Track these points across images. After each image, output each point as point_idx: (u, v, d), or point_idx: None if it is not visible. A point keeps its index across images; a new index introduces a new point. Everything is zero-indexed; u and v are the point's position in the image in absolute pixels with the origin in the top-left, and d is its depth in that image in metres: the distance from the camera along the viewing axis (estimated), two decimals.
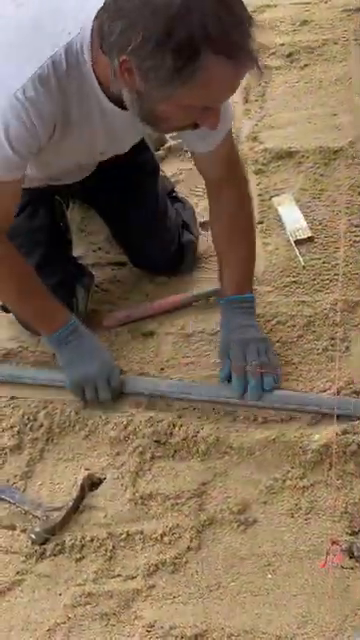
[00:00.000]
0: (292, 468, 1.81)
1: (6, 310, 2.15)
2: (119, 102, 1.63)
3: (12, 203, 1.80)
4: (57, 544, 1.72)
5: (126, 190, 2.16)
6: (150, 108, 1.55)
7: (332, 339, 2.04)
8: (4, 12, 1.63)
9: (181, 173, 2.52)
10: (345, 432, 1.80)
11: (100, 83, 1.63)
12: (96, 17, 1.55)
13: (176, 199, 2.32)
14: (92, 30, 1.57)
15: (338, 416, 1.80)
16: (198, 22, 1.39)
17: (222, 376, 1.95)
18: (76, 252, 2.28)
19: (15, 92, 1.57)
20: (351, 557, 1.64)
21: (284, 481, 1.79)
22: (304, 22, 2.95)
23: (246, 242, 2.02)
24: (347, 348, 2.02)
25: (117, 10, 1.46)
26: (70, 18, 1.59)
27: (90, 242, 2.37)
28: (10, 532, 1.76)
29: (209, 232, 2.32)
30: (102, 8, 1.51)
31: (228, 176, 1.96)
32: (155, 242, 2.17)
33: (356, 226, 2.29)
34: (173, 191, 2.34)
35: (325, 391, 1.93)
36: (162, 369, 2.03)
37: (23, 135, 1.62)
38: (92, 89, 1.64)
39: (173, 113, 1.55)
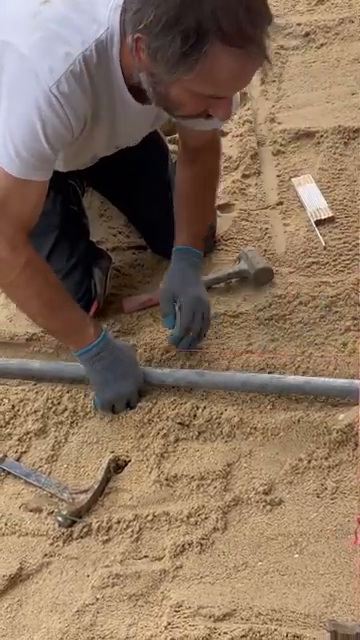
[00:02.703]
0: (317, 448, 1.80)
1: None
2: (140, 96, 1.64)
3: (39, 203, 1.78)
4: (84, 526, 1.73)
5: (137, 176, 2.15)
6: (163, 92, 1.54)
7: (355, 319, 2.03)
8: (34, 8, 1.62)
9: None
10: None
11: (125, 77, 1.63)
12: (123, 6, 1.55)
13: None
14: (120, 23, 1.57)
15: None
16: (210, 10, 1.39)
17: (169, 324, 2.00)
18: (96, 237, 2.28)
19: (50, 87, 1.57)
20: None
21: (309, 461, 1.79)
22: (320, 1, 2.92)
23: (211, 206, 2.10)
24: None
25: None
26: (100, 13, 1.58)
27: (110, 226, 2.36)
28: (37, 515, 1.77)
29: (230, 214, 2.33)
30: None
31: (209, 147, 1.99)
32: (170, 228, 2.16)
33: None
34: None
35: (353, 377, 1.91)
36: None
37: (59, 129, 1.62)
38: (118, 84, 1.64)
39: (185, 99, 1.54)
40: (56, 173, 2.02)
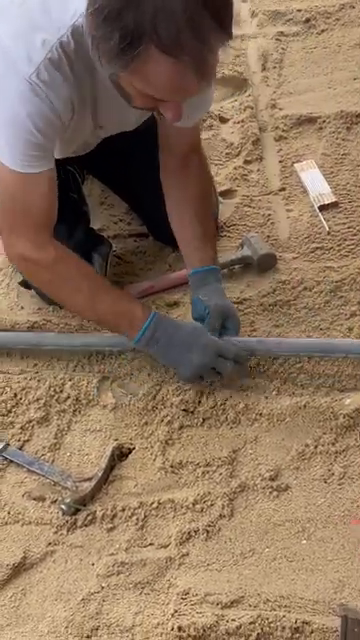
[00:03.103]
0: (324, 433, 1.78)
1: (28, 286, 2.13)
2: None
3: (52, 194, 1.74)
4: (88, 514, 1.71)
5: (135, 164, 2.12)
6: (115, 79, 1.51)
7: None
8: None
9: None
10: None
11: None
12: None
13: None
14: None
15: None
16: (150, 13, 1.34)
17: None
18: (97, 224, 2.25)
19: (30, 76, 1.55)
20: None
21: (316, 446, 1.76)
22: None
23: (213, 217, 2.03)
24: None
25: None
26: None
27: (111, 214, 2.33)
28: (40, 504, 1.74)
29: (232, 200, 2.30)
30: None
31: (195, 152, 1.93)
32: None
33: None
34: None
35: None
36: None
37: (48, 116, 1.60)
38: (98, 68, 1.58)
39: (132, 92, 1.51)
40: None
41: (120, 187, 2.25)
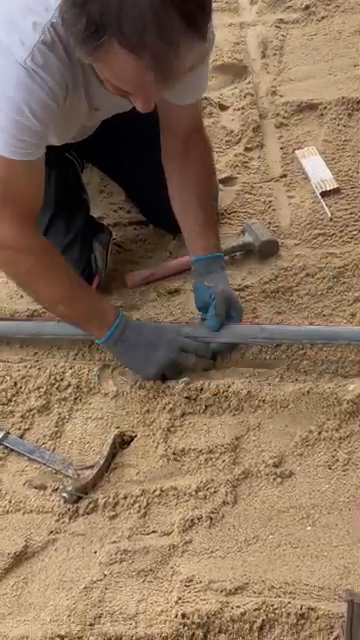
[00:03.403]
0: (327, 419, 1.76)
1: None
2: None
3: (40, 182, 1.73)
4: (90, 502, 1.69)
5: (135, 147, 2.10)
6: (89, 62, 1.49)
7: None
8: None
9: None
10: None
11: None
12: None
13: None
14: None
15: None
16: (116, 6, 1.32)
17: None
18: (96, 213, 2.23)
19: (25, 61, 1.52)
20: None
21: (320, 433, 1.75)
22: None
23: (215, 201, 2.00)
24: None
25: None
26: None
27: (110, 202, 2.31)
28: (41, 492, 1.73)
29: (233, 187, 2.29)
30: None
31: (196, 134, 1.90)
32: (168, 201, 2.10)
33: None
34: None
35: None
36: None
37: (44, 100, 1.57)
38: None
39: (102, 76, 1.49)
40: (51, 148, 1.99)
41: (118, 173, 2.22)
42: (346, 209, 2.18)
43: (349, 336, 1.86)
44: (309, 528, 1.61)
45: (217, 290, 1.87)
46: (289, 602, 1.49)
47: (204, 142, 1.94)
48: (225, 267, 1.96)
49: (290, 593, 1.52)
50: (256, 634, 1.47)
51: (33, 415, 1.86)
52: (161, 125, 1.89)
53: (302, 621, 1.47)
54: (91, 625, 1.51)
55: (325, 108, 2.43)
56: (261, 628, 1.47)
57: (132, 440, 1.80)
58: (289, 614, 1.47)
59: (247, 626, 1.47)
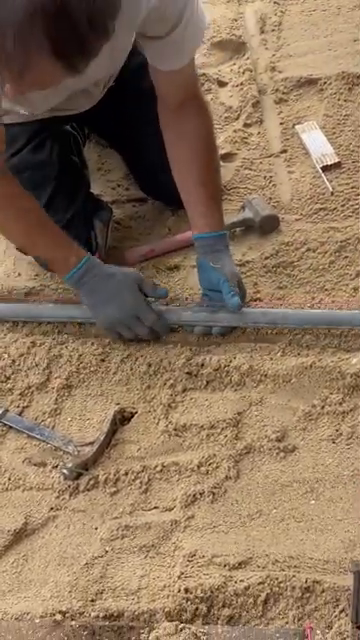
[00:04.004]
0: (330, 393, 1.74)
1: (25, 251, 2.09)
2: None
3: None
4: (90, 479, 1.66)
5: (137, 119, 2.06)
6: None
7: None
8: None
9: None
10: None
11: None
12: None
13: None
14: None
15: None
16: None
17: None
18: (95, 190, 2.19)
19: None
20: None
21: (323, 407, 1.72)
22: None
23: (219, 174, 1.94)
24: None
25: None
26: None
27: (108, 180, 2.29)
28: (41, 469, 1.70)
29: (233, 163, 2.26)
30: None
31: (191, 103, 1.83)
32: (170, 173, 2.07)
33: None
34: None
35: None
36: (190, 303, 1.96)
37: None
38: None
39: None
40: (53, 122, 1.97)
41: (121, 143, 2.18)
42: (347, 183, 2.15)
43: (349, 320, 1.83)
44: (313, 502, 1.59)
45: (226, 272, 1.84)
46: (294, 575, 1.47)
47: (200, 111, 1.87)
48: (229, 245, 1.92)
49: (295, 567, 1.49)
50: (260, 608, 1.44)
51: (32, 392, 1.84)
52: (157, 96, 1.86)
53: (307, 594, 1.44)
54: (92, 601, 1.49)
55: (325, 83, 2.40)
56: (265, 602, 1.45)
57: (132, 416, 1.78)
58: (294, 587, 1.45)
59: (251, 600, 1.45)
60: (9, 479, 1.69)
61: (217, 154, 1.94)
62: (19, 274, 2.08)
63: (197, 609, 1.45)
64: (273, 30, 2.63)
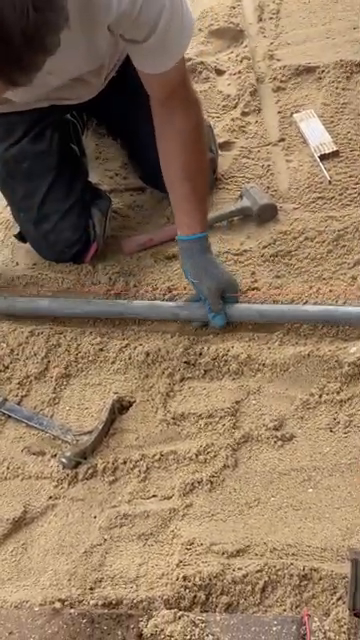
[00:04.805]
0: (328, 382, 1.74)
1: (23, 239, 2.09)
2: None
3: None
4: (89, 468, 1.67)
5: (137, 107, 2.06)
6: None
7: None
8: None
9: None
10: None
11: None
12: None
13: None
14: None
15: None
16: None
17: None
18: (93, 179, 2.19)
19: None
20: None
21: (320, 396, 1.73)
22: None
23: (205, 172, 1.88)
24: None
25: None
26: None
27: (106, 169, 2.28)
28: (40, 458, 1.71)
29: (230, 152, 2.25)
30: None
31: (179, 95, 1.78)
32: None
33: None
34: None
35: None
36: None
37: None
38: None
39: None
40: (52, 111, 1.96)
41: (121, 131, 2.18)
42: (345, 172, 2.14)
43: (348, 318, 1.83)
44: (311, 490, 1.60)
45: (203, 288, 1.84)
46: (291, 563, 1.47)
47: (188, 106, 1.80)
48: (208, 246, 1.87)
49: (292, 555, 1.50)
50: (258, 595, 1.45)
51: (31, 382, 1.84)
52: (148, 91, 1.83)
53: (305, 582, 1.45)
54: (91, 589, 1.50)
55: (323, 71, 2.39)
56: (263, 589, 1.46)
57: (131, 406, 1.78)
58: (292, 575, 1.46)
59: (249, 588, 1.46)
60: (8, 468, 1.70)
61: (204, 150, 1.88)
62: (17, 263, 2.09)
63: (195, 597, 1.46)
64: (271, 18, 2.62)
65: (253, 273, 1.97)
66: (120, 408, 1.78)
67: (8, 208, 2.11)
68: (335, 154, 2.18)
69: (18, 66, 1.28)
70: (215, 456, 1.66)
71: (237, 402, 1.74)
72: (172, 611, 1.40)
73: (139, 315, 1.91)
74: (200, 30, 2.59)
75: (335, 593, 1.43)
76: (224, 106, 2.38)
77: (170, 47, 1.65)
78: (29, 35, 1.24)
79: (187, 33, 1.69)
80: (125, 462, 1.67)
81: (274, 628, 1.37)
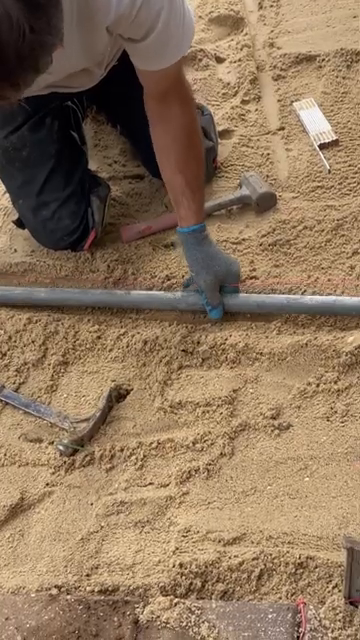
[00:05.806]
0: (326, 372, 1.74)
1: (22, 226, 2.08)
2: None
3: None
4: (86, 455, 1.67)
5: (139, 96, 2.04)
6: None
7: None
8: None
9: (195, 83, 2.41)
10: None
11: None
12: None
13: None
14: None
15: None
16: None
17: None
18: (91, 167, 2.19)
19: None
20: None
21: (318, 385, 1.73)
22: None
23: (200, 165, 1.87)
24: None
25: None
26: None
27: (104, 156, 2.28)
28: (37, 445, 1.71)
29: (230, 140, 2.25)
30: None
31: (174, 90, 1.78)
32: None
33: None
34: None
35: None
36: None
37: None
38: None
39: None
40: (53, 97, 1.95)
41: (124, 120, 2.17)
42: (345, 161, 2.14)
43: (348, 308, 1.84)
44: (307, 479, 1.60)
45: (200, 281, 1.84)
46: (287, 551, 1.48)
47: (183, 101, 1.80)
48: (205, 237, 1.86)
49: (288, 543, 1.50)
50: (254, 583, 1.46)
51: (28, 369, 1.84)
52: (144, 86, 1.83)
53: (301, 570, 1.46)
54: (88, 576, 1.50)
55: (323, 60, 2.39)
56: (259, 577, 1.46)
57: (128, 393, 1.78)
58: (287, 563, 1.46)
59: (245, 575, 1.46)
60: (5, 455, 1.70)
61: (199, 144, 1.87)
62: (15, 250, 2.08)
63: (191, 584, 1.46)
64: (272, 6, 2.61)
65: (252, 262, 1.97)
66: (117, 396, 1.78)
67: (6, 195, 2.11)
68: (335, 143, 2.18)
69: (8, 83, 1.28)
70: (212, 444, 1.66)
71: (234, 391, 1.74)
72: (168, 598, 1.41)
73: (137, 306, 1.91)
74: (200, 17, 2.58)
75: (330, 581, 1.43)
76: (224, 94, 2.38)
77: (168, 48, 1.66)
78: (23, 56, 1.24)
79: (187, 36, 1.71)
80: (122, 450, 1.68)
81: (269, 616, 1.38)
